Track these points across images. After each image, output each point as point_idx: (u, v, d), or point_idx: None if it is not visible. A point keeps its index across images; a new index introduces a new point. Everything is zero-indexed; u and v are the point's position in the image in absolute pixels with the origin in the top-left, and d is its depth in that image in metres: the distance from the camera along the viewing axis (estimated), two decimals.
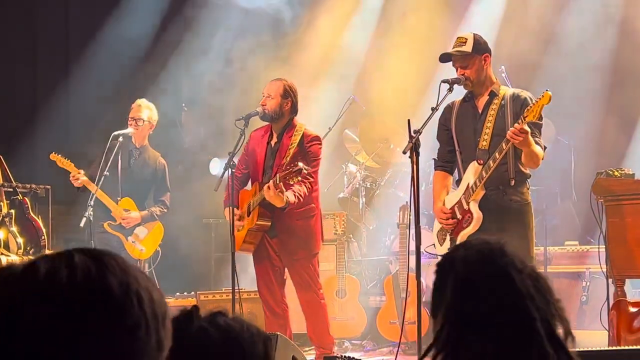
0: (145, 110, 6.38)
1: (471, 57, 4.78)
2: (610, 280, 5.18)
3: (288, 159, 5.29)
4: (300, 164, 5.00)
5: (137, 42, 8.64)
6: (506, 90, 4.90)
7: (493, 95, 4.84)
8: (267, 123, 5.58)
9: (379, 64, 8.71)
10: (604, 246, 5.15)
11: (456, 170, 5.07)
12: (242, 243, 5.51)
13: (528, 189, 4.88)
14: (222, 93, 8.43)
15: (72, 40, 8.88)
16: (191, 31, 8.73)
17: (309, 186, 5.35)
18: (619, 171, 5.20)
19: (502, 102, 4.80)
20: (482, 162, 4.74)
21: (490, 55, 4.88)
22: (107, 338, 1.14)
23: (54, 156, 6.47)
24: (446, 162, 5.05)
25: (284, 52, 8.67)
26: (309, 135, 5.48)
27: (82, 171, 6.27)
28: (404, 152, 4.49)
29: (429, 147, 5.23)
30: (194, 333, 1.47)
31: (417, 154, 4.44)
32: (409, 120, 4.52)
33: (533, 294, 1.70)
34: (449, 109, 5.00)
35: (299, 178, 5.04)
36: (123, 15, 8.62)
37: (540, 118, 4.58)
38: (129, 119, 6.34)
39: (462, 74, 4.80)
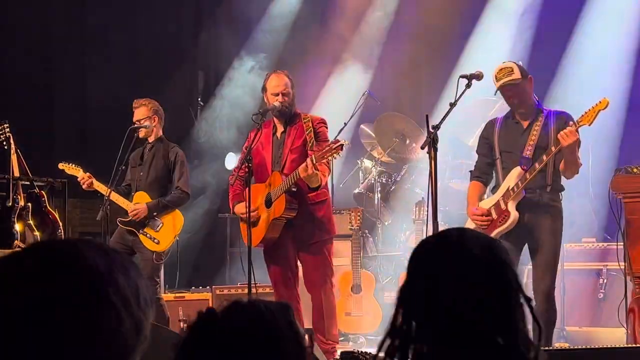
0: (143, 108, 6.37)
1: (521, 83, 4.90)
2: (628, 278, 5.15)
3: (310, 143, 5.29)
4: (340, 139, 5.01)
5: (154, 36, 8.65)
6: (549, 109, 5.06)
7: (538, 112, 5.00)
8: (266, 119, 5.53)
9: (396, 58, 8.69)
10: (622, 243, 5.12)
11: (494, 178, 5.21)
12: (264, 236, 5.43)
13: (561, 200, 5.01)
14: (237, 87, 8.44)
15: (88, 33, 8.90)
16: (208, 25, 8.73)
17: (327, 167, 5.35)
18: (638, 168, 5.17)
19: (546, 119, 4.94)
20: (525, 168, 4.88)
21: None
22: (74, 333, 1.16)
23: (62, 165, 6.47)
24: (483, 174, 5.18)
25: (301, 49, 8.67)
26: (315, 118, 5.53)
27: (88, 174, 6.25)
28: (422, 148, 4.49)
29: (447, 142, 5.24)
30: (218, 336, 1.46)
31: (435, 150, 4.44)
32: (427, 116, 4.51)
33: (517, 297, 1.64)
34: (491, 124, 5.19)
35: (339, 155, 5.04)
36: (141, 9, 8.63)
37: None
38: (135, 123, 6.35)
39: (515, 102, 4.95)
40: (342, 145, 4.97)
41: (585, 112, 4.62)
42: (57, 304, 1.16)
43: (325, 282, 5.47)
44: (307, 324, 5.69)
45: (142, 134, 6.32)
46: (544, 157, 4.75)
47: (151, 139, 6.39)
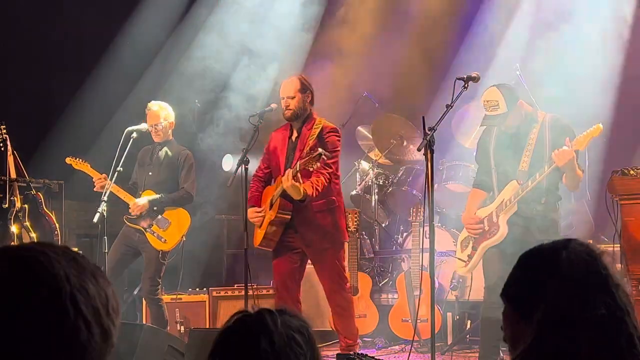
0: (160, 111, 6.42)
1: (508, 113, 4.85)
2: (625, 280, 5.15)
3: (307, 149, 5.31)
4: (320, 150, 5.03)
5: (152, 39, 8.66)
6: (545, 116, 4.99)
7: (532, 121, 4.95)
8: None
9: (393, 60, 8.69)
10: (619, 245, 5.13)
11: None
12: (262, 238, 5.52)
13: (558, 209, 4.99)
14: (235, 90, 8.43)
15: (88, 37, 8.89)
16: (203, 30, 8.74)
17: (327, 177, 5.35)
18: (635, 170, 5.18)
19: (541, 128, 4.90)
20: (521, 182, 4.87)
21: (521, 96, 4.98)
22: (47, 343, 1.16)
23: (70, 160, 6.47)
24: (484, 181, 5.17)
25: (298, 53, 8.67)
26: (327, 126, 5.53)
27: (105, 175, 6.24)
28: (419, 150, 4.50)
29: (444, 145, 5.25)
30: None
31: (432, 152, 4.45)
32: (423, 117, 4.52)
33: (629, 309, 1.64)
34: (487, 132, 5.14)
35: (318, 165, 5.04)
36: (139, 14, 8.64)
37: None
38: (149, 127, 6.39)
39: (502, 126, 4.95)
40: (320, 155, 5.00)
41: (579, 138, 4.62)
42: (27, 317, 1.16)
43: (340, 286, 5.58)
44: (326, 325, 5.78)
45: (158, 138, 6.39)
46: (537, 176, 4.75)
47: (161, 140, 6.45)
